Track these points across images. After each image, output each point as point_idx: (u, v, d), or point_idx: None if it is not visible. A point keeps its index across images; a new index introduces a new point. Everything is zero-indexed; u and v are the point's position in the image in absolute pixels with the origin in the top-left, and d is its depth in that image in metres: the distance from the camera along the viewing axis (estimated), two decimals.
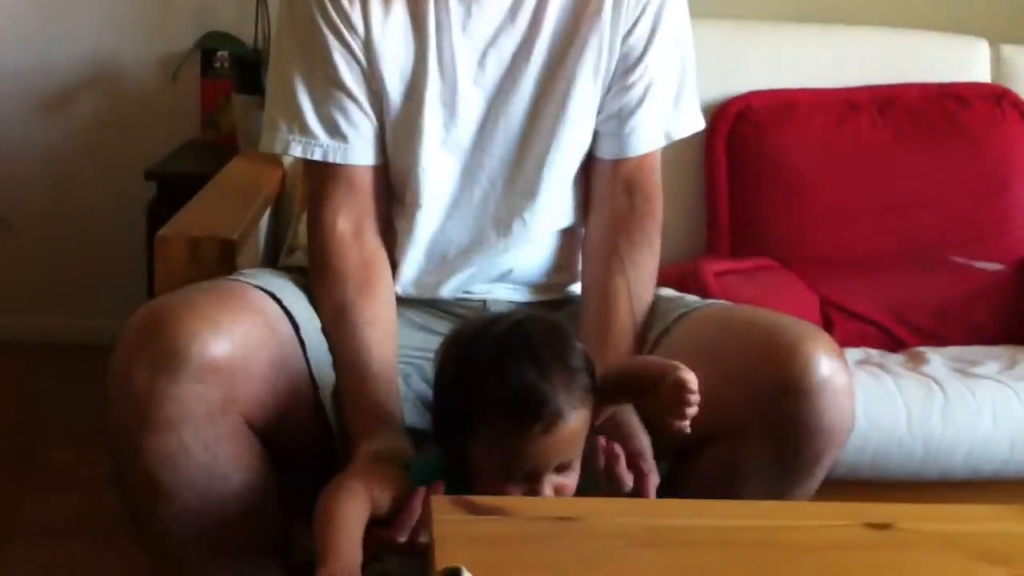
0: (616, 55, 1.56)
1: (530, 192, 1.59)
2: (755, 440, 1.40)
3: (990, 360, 2.12)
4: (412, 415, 1.49)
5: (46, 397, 2.84)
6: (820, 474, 1.45)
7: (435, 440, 1.36)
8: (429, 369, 1.46)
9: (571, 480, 1.31)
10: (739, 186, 2.34)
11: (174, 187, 2.58)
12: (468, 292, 1.64)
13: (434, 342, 1.45)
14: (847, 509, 1.21)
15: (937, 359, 2.11)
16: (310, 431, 1.47)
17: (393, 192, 1.60)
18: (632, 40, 1.57)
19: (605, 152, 1.61)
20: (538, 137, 1.57)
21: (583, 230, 1.66)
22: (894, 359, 2.14)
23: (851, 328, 2.22)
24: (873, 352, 2.18)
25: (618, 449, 1.37)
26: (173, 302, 1.38)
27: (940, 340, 2.23)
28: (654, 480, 1.38)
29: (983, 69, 2.50)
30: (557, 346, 1.30)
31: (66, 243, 3.13)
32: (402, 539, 1.29)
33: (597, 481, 1.37)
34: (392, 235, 1.61)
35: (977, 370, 2.06)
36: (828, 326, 2.17)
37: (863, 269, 2.29)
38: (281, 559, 1.47)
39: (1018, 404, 1.95)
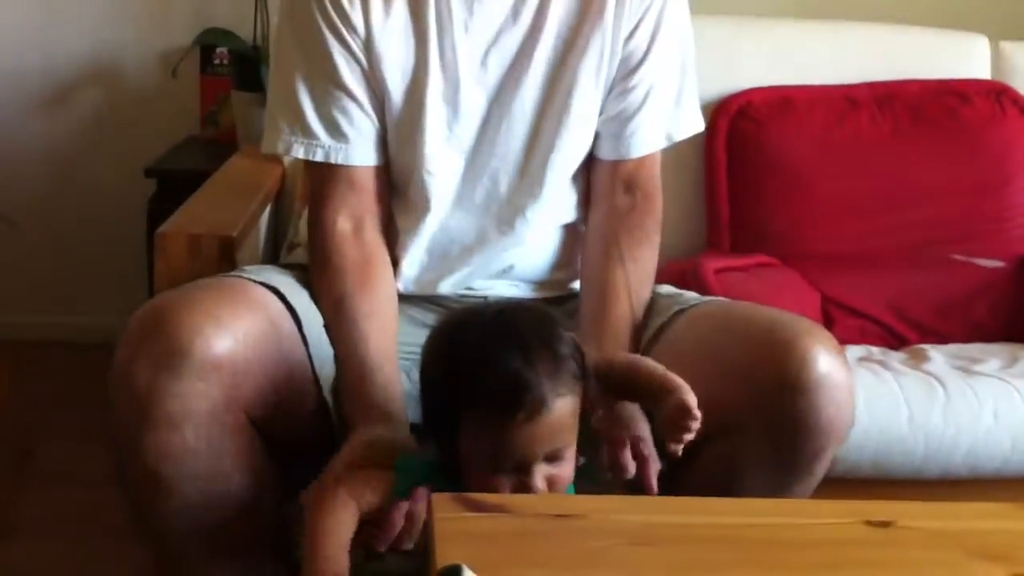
0: (618, 57, 1.57)
1: (533, 190, 1.59)
2: (754, 437, 1.40)
3: (991, 357, 2.12)
4: (414, 411, 1.49)
5: (46, 395, 2.84)
6: (820, 471, 1.45)
7: (425, 436, 1.36)
8: None
9: (564, 471, 1.30)
10: (739, 183, 2.34)
11: (174, 184, 2.59)
12: (469, 288, 1.64)
13: None
14: (848, 507, 1.21)
15: (938, 356, 2.11)
16: (312, 427, 1.47)
17: (395, 190, 1.61)
18: (634, 42, 1.57)
19: (606, 153, 1.62)
20: (541, 136, 1.57)
21: (583, 227, 1.66)
22: (895, 356, 2.14)
23: (852, 325, 2.22)
24: (874, 349, 2.18)
25: (624, 435, 1.36)
26: (175, 299, 1.38)
27: (941, 337, 2.23)
28: (655, 466, 1.37)
29: (983, 65, 2.50)
30: (542, 333, 1.29)
31: (66, 240, 3.12)
32: (381, 549, 1.28)
33: (596, 468, 1.36)
34: (393, 232, 1.61)
35: (978, 367, 2.06)
36: (829, 323, 2.17)
37: (864, 266, 2.29)
38: (281, 556, 1.47)
39: (1019, 402, 1.95)
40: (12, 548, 2.21)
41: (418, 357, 1.56)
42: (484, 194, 1.59)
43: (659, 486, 1.39)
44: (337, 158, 1.55)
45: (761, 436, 1.40)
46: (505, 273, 1.65)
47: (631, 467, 1.35)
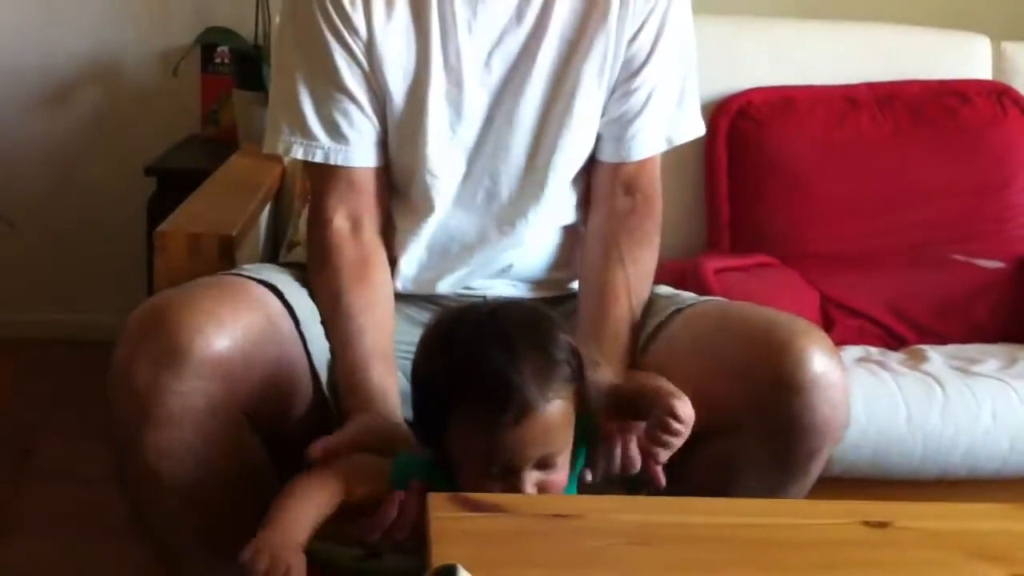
0: (621, 59, 1.57)
1: (534, 192, 1.59)
2: (750, 436, 1.41)
3: (990, 358, 2.11)
4: (408, 410, 1.49)
5: (45, 393, 2.84)
6: (815, 471, 1.45)
7: (417, 436, 1.35)
8: None
9: (557, 477, 1.28)
10: (739, 183, 2.34)
11: (174, 183, 2.59)
12: (468, 288, 1.64)
13: None
14: (845, 507, 1.21)
15: (937, 357, 2.11)
16: (312, 425, 1.47)
17: (396, 190, 1.61)
18: (637, 44, 1.57)
19: (606, 155, 1.62)
20: (543, 138, 1.57)
21: (582, 227, 1.66)
22: (894, 357, 2.14)
23: (851, 325, 2.22)
24: (873, 350, 2.18)
25: (631, 427, 1.36)
26: (175, 298, 1.38)
27: (940, 338, 2.23)
28: (663, 455, 1.36)
29: (984, 66, 2.49)
30: (534, 334, 1.27)
31: (66, 239, 3.13)
32: (372, 539, 1.27)
33: (591, 466, 1.36)
34: (392, 232, 1.61)
35: (977, 368, 2.06)
36: (828, 323, 2.17)
37: (863, 266, 2.29)
38: None
39: (1018, 402, 1.95)
40: (12, 546, 2.21)
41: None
42: (485, 195, 1.59)
43: (651, 483, 1.40)
44: (336, 159, 1.55)
45: (757, 436, 1.40)
46: (504, 273, 1.65)
47: (637, 460, 1.34)
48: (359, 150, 1.55)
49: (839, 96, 2.39)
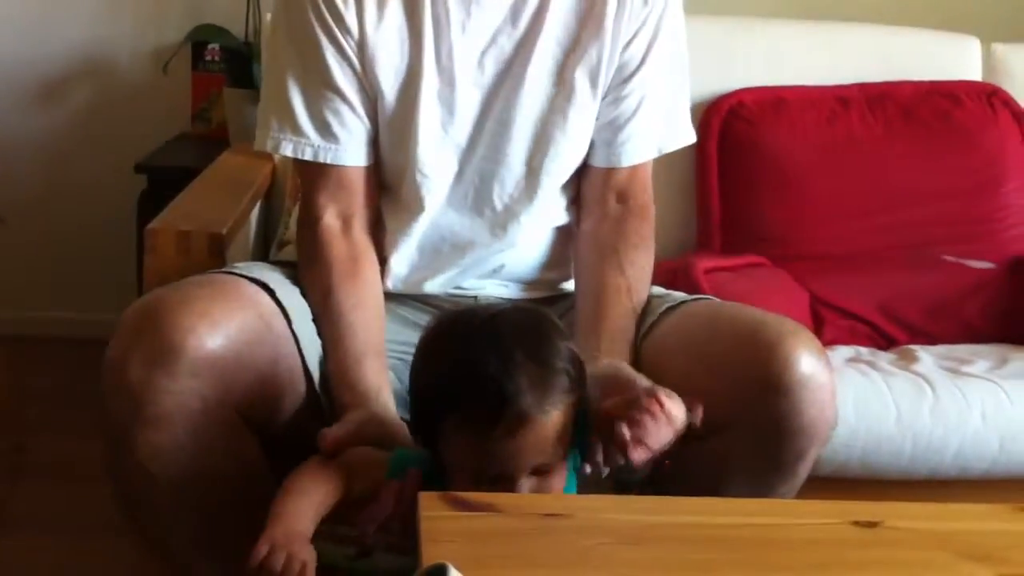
0: (615, 64, 1.57)
1: (527, 194, 1.59)
2: (738, 437, 1.41)
3: (980, 359, 2.12)
4: (401, 411, 1.49)
5: (37, 390, 2.84)
6: (803, 471, 1.45)
7: (414, 436, 1.35)
8: None
9: (554, 483, 1.26)
10: (730, 183, 2.34)
11: (164, 180, 2.58)
12: (459, 288, 1.64)
13: None
14: (835, 507, 1.21)
15: (927, 357, 2.11)
16: (305, 423, 1.47)
17: (387, 189, 1.61)
18: (631, 51, 1.57)
19: (598, 160, 1.62)
20: (536, 141, 1.57)
21: (575, 228, 1.66)
22: (884, 357, 2.14)
23: (841, 326, 2.22)
24: (863, 350, 2.18)
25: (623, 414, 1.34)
26: (168, 296, 1.38)
27: (930, 338, 2.23)
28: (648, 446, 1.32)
29: (975, 67, 2.50)
30: (533, 341, 1.26)
31: (56, 236, 3.12)
32: (370, 529, 1.27)
33: (588, 458, 1.35)
34: (382, 231, 1.61)
35: (967, 369, 2.06)
36: (819, 324, 2.17)
37: (854, 267, 2.29)
38: None
39: (1008, 403, 1.95)
40: (7, 543, 2.20)
41: (407, 357, 1.56)
42: (477, 196, 1.59)
43: (644, 484, 1.39)
44: (326, 158, 1.55)
45: (744, 436, 1.40)
46: (495, 273, 1.65)
47: (626, 439, 1.31)
48: (349, 149, 1.55)
49: (831, 96, 2.39)
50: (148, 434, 1.32)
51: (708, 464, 1.43)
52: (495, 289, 1.65)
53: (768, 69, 2.42)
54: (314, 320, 1.51)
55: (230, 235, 1.74)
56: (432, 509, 1.14)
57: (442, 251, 1.61)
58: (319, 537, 1.27)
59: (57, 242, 3.12)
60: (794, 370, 1.37)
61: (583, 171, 1.63)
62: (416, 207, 1.58)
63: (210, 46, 2.94)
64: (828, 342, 2.11)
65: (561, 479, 1.28)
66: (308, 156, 1.54)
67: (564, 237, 1.66)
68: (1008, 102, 2.42)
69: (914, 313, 2.26)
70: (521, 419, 1.21)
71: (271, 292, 1.47)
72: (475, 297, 1.63)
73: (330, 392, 1.48)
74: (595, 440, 1.32)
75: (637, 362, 1.51)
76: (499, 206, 1.59)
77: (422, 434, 1.32)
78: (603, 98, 1.58)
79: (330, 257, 1.53)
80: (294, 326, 1.47)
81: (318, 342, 1.50)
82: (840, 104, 2.38)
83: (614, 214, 1.62)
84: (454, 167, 1.58)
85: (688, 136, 1.67)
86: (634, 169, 1.62)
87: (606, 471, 1.32)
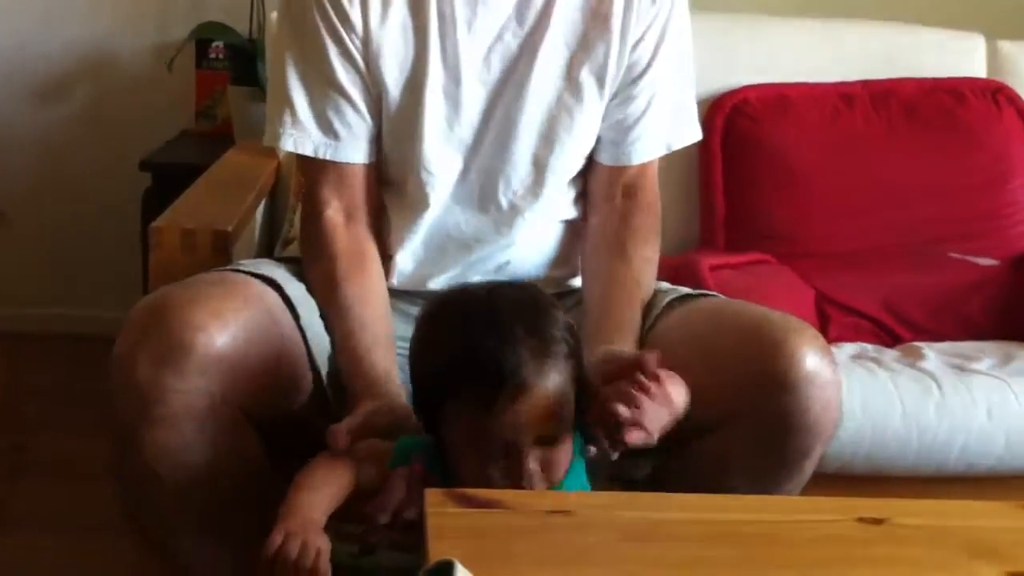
0: (623, 64, 1.57)
1: (532, 192, 1.59)
2: (742, 434, 1.41)
3: (986, 355, 2.12)
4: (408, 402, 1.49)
5: (39, 388, 2.84)
6: (808, 469, 1.45)
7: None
8: None
9: (560, 455, 1.27)
10: (734, 180, 2.34)
11: (169, 178, 2.58)
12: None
13: None
14: (841, 504, 1.21)
15: (933, 354, 2.11)
16: (310, 419, 1.47)
17: (392, 186, 1.61)
18: (639, 51, 1.57)
19: (606, 158, 1.62)
20: (542, 139, 1.57)
21: (580, 224, 1.66)
22: (890, 354, 2.14)
23: (846, 323, 2.22)
24: (868, 347, 2.18)
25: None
26: (177, 294, 1.37)
27: (935, 335, 2.23)
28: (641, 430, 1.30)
29: (979, 64, 2.50)
30: (528, 312, 1.26)
31: (61, 233, 3.12)
32: (383, 519, 1.26)
33: (592, 439, 1.34)
34: (387, 227, 1.61)
35: (973, 366, 2.06)
36: (823, 321, 2.17)
37: (859, 264, 2.29)
38: None
39: (1013, 400, 1.95)
40: (7, 542, 2.20)
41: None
42: (482, 193, 1.59)
43: (648, 481, 1.39)
44: (327, 154, 1.55)
45: (749, 433, 1.40)
46: (501, 270, 1.64)
47: (618, 412, 1.28)
48: (349, 146, 1.55)
49: (835, 94, 2.39)
50: (156, 433, 1.32)
51: (712, 461, 1.44)
52: None
53: (772, 66, 2.42)
54: (321, 316, 1.51)
55: (235, 232, 1.74)
56: (438, 505, 1.14)
57: (447, 248, 1.61)
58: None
59: (60, 239, 3.13)
60: (799, 367, 1.37)
61: (590, 168, 1.63)
62: (421, 204, 1.58)
63: (214, 43, 2.94)
64: (833, 339, 2.11)
65: (567, 453, 1.28)
66: (308, 151, 1.55)
67: (569, 235, 1.67)
68: (1013, 99, 2.42)
69: (919, 310, 2.26)
70: (521, 388, 1.22)
71: (278, 288, 1.47)
72: None
73: (337, 387, 1.48)
74: (595, 423, 1.31)
75: None
76: (504, 203, 1.59)
77: (424, 421, 1.31)
78: (612, 98, 1.59)
79: (335, 251, 1.54)
80: (302, 322, 1.47)
81: (325, 337, 1.50)
82: (844, 101, 2.38)
83: (621, 209, 1.62)
84: (459, 164, 1.58)
85: (695, 133, 1.68)
86: (643, 167, 1.63)
87: (615, 456, 1.31)
